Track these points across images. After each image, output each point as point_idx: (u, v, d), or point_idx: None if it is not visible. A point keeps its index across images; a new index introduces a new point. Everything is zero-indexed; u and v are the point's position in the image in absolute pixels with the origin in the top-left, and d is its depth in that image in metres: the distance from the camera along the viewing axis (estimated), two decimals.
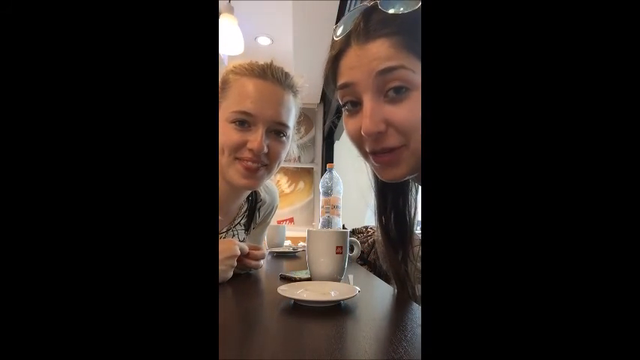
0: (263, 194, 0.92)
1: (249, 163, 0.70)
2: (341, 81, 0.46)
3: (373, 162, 0.47)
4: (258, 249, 0.69)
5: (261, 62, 0.72)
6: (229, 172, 0.71)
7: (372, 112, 0.42)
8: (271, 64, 0.72)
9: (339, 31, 0.46)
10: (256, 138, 0.68)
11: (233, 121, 0.68)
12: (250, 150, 0.68)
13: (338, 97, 0.48)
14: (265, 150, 0.69)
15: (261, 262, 0.71)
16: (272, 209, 0.97)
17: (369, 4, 0.44)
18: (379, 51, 0.42)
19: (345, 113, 0.48)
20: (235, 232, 0.85)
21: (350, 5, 1.57)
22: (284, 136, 0.73)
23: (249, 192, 0.85)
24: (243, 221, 0.87)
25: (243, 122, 0.68)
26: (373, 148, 0.45)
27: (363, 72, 0.43)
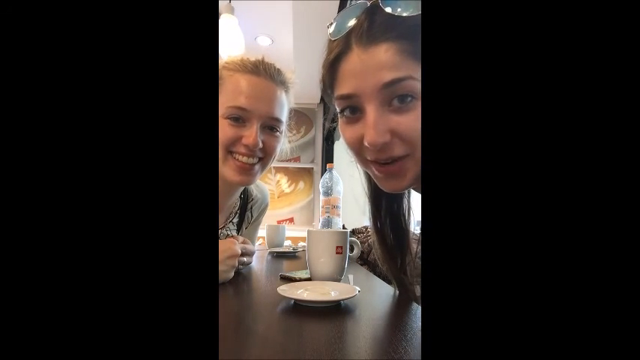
0: (255, 192, 0.93)
1: (245, 159, 0.71)
2: (342, 91, 0.43)
3: (375, 172, 0.45)
4: (248, 243, 0.71)
5: (253, 58, 0.73)
6: (224, 169, 0.71)
7: (376, 123, 0.40)
8: (263, 60, 0.73)
9: (333, 29, 0.43)
10: (251, 133, 0.69)
11: (227, 117, 0.69)
12: (245, 145, 0.69)
13: (335, 105, 0.45)
14: (260, 145, 0.70)
15: (252, 257, 0.73)
16: (264, 208, 0.98)
17: (368, 3, 0.41)
18: (385, 58, 0.39)
19: (342, 119, 0.46)
20: (228, 231, 0.85)
21: (349, 5, 1.57)
22: (277, 131, 0.74)
23: (242, 189, 0.86)
24: (235, 220, 0.87)
25: (238, 118, 0.69)
26: (377, 158, 0.43)
27: (368, 83, 0.40)
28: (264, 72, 0.71)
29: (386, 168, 0.43)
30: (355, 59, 0.41)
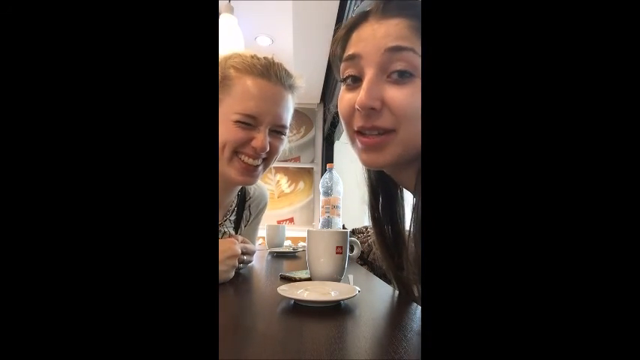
0: (252, 190, 0.93)
1: (250, 161, 0.71)
2: (348, 52, 0.45)
3: (358, 143, 0.46)
4: (247, 243, 0.71)
5: (262, 58, 0.72)
6: (227, 169, 0.72)
7: (370, 86, 0.42)
8: (273, 61, 0.73)
9: (357, 9, 0.46)
10: (260, 138, 0.70)
11: (237, 121, 0.69)
12: (254, 148, 0.70)
13: (340, 71, 0.47)
14: (267, 149, 0.71)
15: (252, 257, 0.74)
16: (263, 206, 0.98)
17: None
18: (394, 29, 0.42)
19: (342, 88, 0.47)
20: (225, 228, 0.85)
21: (350, 5, 1.57)
22: (283, 134, 0.75)
23: (239, 187, 0.86)
24: (232, 218, 0.87)
25: (246, 123, 0.69)
26: (362, 125, 0.44)
27: (372, 46, 0.42)
28: (274, 76, 0.71)
29: (368, 139, 0.44)
30: (367, 28, 0.44)
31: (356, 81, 0.45)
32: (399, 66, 0.41)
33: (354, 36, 0.46)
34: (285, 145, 0.80)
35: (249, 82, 0.70)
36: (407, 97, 0.41)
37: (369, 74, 0.43)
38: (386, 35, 0.42)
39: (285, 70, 0.73)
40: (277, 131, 0.73)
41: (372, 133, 0.44)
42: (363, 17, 0.45)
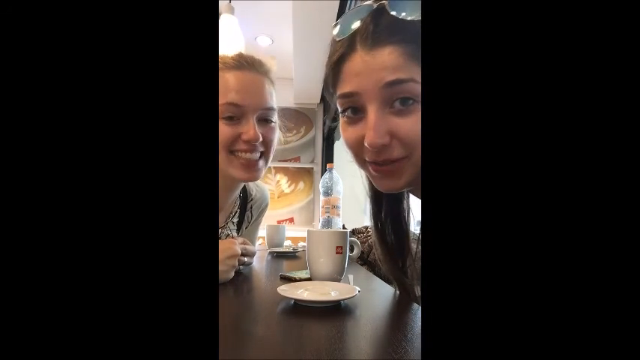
0: (254, 192, 0.93)
1: (248, 155, 0.70)
2: (344, 89, 0.43)
3: (371, 171, 0.45)
4: (248, 244, 0.72)
5: (231, 54, 0.72)
6: (229, 169, 0.71)
7: (377, 124, 0.40)
8: (242, 54, 0.73)
9: (338, 30, 0.44)
10: (249, 128, 0.68)
11: (222, 117, 0.68)
12: (246, 141, 0.69)
13: (337, 104, 0.46)
14: (260, 138, 0.70)
15: (252, 258, 0.74)
16: (264, 207, 0.98)
17: (374, 5, 0.41)
18: (388, 60, 0.40)
19: (343, 119, 0.46)
20: (228, 230, 0.85)
21: (350, 5, 1.58)
22: (272, 121, 0.74)
23: (242, 186, 0.86)
24: (235, 220, 0.87)
25: (232, 117, 0.69)
26: (375, 159, 0.43)
27: (370, 81, 0.41)
28: (247, 65, 0.71)
29: (382, 168, 0.43)
30: (358, 60, 0.42)
31: (356, 112, 0.44)
32: (401, 95, 0.40)
33: (346, 69, 0.43)
34: (278, 134, 0.79)
35: (225, 76, 0.69)
36: (414, 126, 0.40)
37: (371, 111, 0.41)
38: (382, 68, 0.40)
39: (256, 58, 0.73)
40: (265, 119, 0.72)
41: (384, 163, 0.43)
42: (350, 46, 0.42)
